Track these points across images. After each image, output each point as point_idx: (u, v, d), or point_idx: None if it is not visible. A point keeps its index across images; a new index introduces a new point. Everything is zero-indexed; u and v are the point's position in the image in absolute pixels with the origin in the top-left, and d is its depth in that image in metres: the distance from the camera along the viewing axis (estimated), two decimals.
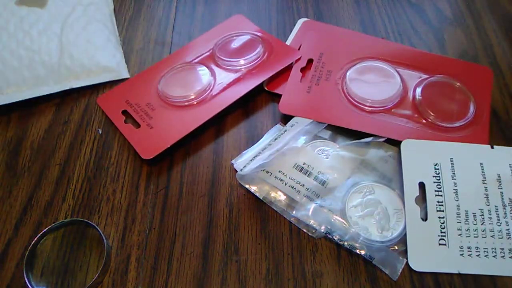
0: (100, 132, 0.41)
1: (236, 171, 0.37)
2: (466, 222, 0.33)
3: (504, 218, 0.33)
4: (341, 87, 0.41)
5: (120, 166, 0.38)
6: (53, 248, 0.34)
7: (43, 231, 0.34)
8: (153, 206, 0.36)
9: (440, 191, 0.34)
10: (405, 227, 0.33)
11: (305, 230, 0.34)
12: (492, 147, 0.36)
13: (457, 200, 0.34)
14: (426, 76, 0.41)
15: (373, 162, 0.37)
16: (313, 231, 0.34)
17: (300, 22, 0.48)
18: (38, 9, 0.46)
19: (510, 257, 0.32)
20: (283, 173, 0.36)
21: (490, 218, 0.33)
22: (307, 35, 0.45)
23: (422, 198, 0.34)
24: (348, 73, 0.41)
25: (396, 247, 0.33)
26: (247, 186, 0.36)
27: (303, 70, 0.43)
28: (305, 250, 0.33)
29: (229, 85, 0.41)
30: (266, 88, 0.42)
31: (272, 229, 0.35)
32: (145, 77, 0.44)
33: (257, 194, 0.35)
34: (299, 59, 0.43)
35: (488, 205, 0.34)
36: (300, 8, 0.51)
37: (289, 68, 0.43)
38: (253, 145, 0.39)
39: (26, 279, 0.31)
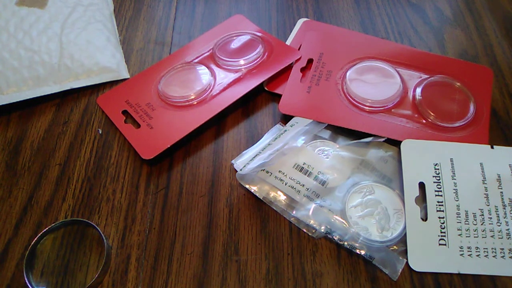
0: (100, 132, 0.41)
1: (236, 171, 0.37)
2: (466, 222, 0.33)
3: (504, 218, 0.33)
4: (341, 87, 0.41)
5: (120, 166, 0.38)
6: (53, 248, 0.34)
7: (43, 231, 0.34)
8: (153, 206, 0.36)
9: (440, 191, 0.34)
10: (405, 227, 0.33)
11: (305, 230, 0.34)
12: (492, 147, 0.36)
13: (457, 200, 0.34)
14: (426, 76, 0.41)
15: (373, 162, 0.37)
16: (313, 231, 0.34)
17: (300, 22, 0.48)
18: (38, 10, 0.46)
19: (510, 257, 0.32)
20: (283, 173, 0.36)
21: (490, 218, 0.33)
22: (307, 35, 0.45)
23: (422, 198, 0.34)
24: (348, 73, 0.41)
25: (396, 247, 0.33)
26: (247, 186, 0.36)
27: (303, 70, 0.43)
28: (305, 250, 0.33)
29: (229, 85, 0.41)
30: (266, 88, 0.42)
31: (272, 229, 0.35)
32: (145, 77, 0.44)
33: (257, 194, 0.35)
34: (299, 59, 0.43)
35: (488, 205, 0.34)
36: (300, 8, 0.51)
37: (289, 68, 0.43)
38: (253, 145, 0.39)
39: (26, 279, 0.31)
